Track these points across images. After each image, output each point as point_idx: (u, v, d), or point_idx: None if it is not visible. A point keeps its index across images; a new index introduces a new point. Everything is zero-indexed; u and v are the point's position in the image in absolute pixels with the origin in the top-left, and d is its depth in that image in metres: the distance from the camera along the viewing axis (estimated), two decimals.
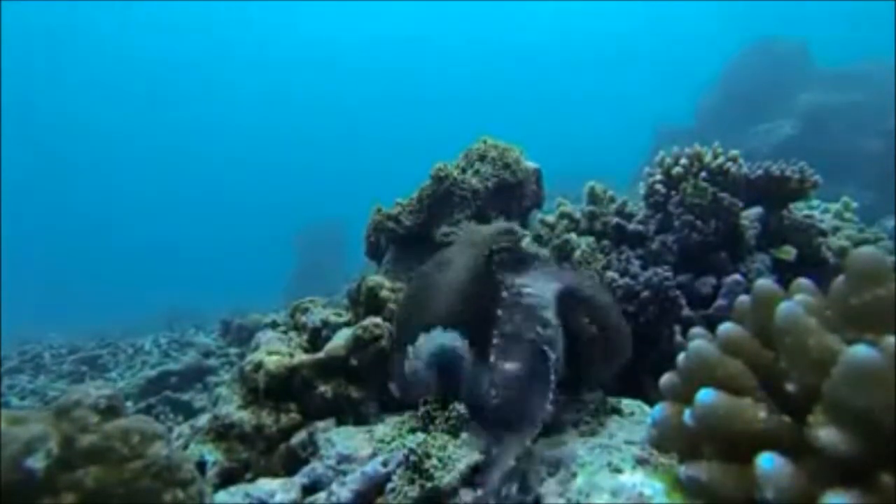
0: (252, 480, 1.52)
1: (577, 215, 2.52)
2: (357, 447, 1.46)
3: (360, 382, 1.72)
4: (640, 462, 1.18)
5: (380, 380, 1.68)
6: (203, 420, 2.01)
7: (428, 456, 1.22)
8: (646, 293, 1.97)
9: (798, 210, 2.48)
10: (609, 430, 1.40)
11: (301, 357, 1.75)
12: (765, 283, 0.94)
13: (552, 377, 1.23)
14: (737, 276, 2.13)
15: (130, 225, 31.92)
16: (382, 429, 1.52)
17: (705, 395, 0.84)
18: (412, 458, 1.22)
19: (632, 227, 2.41)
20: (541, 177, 2.68)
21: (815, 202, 2.89)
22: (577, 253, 2.22)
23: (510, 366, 1.27)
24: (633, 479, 1.12)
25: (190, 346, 6.47)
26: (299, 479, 1.44)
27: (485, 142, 2.63)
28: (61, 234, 31.23)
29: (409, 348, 1.44)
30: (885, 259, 0.80)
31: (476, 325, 1.37)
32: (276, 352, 1.79)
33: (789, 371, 0.80)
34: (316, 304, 2.06)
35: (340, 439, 1.51)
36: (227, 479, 1.57)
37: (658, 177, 2.40)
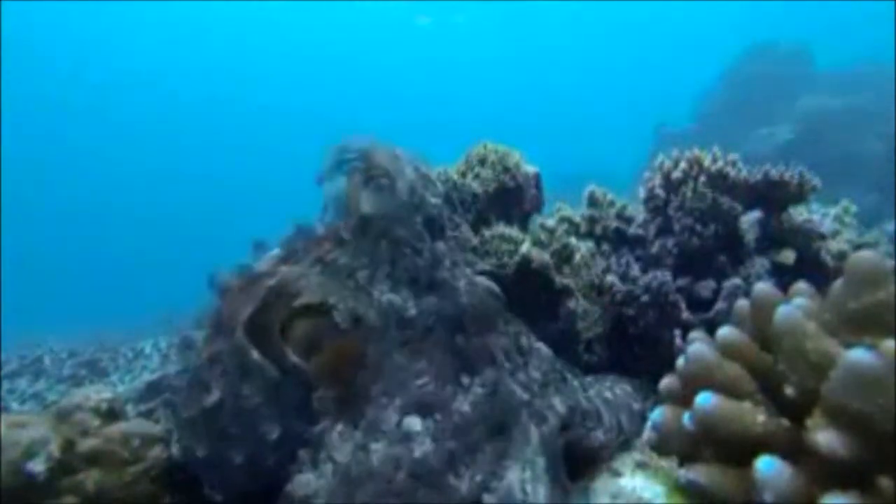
0: None
1: (577, 219, 2.52)
2: None
3: None
4: (640, 465, 1.19)
5: None
6: None
7: None
8: (645, 297, 1.97)
9: (797, 214, 2.48)
10: None
11: None
12: (764, 286, 0.94)
13: None
14: (736, 280, 2.13)
15: (131, 226, 31.93)
16: None
17: (705, 399, 0.84)
18: None
19: (632, 230, 2.41)
20: (541, 181, 2.67)
21: (814, 206, 2.89)
22: (577, 257, 2.22)
23: None
24: (633, 482, 1.12)
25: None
26: None
27: (485, 146, 2.63)
28: (62, 236, 31.27)
29: None
30: (884, 262, 0.80)
31: None
32: None
33: (788, 374, 0.80)
34: None
35: None
36: None
37: (657, 181, 2.39)
